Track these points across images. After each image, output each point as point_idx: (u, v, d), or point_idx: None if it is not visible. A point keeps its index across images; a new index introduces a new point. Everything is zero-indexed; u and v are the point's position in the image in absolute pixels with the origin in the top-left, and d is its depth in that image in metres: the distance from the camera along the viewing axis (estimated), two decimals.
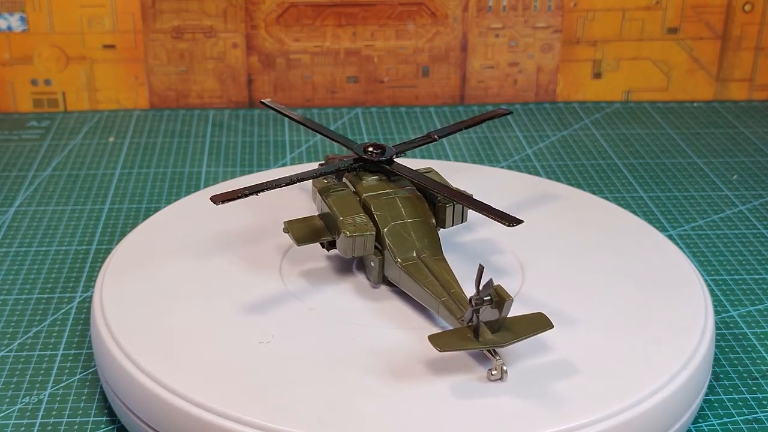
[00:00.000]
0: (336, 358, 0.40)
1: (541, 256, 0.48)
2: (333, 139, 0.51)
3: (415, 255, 0.44)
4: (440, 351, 0.38)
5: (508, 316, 0.39)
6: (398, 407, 0.38)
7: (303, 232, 0.46)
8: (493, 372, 0.39)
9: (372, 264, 0.45)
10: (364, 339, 0.42)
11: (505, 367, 0.39)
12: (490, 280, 0.38)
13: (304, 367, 0.40)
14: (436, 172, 0.49)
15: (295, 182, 0.46)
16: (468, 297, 0.39)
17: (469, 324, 0.39)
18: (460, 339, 0.39)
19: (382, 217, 0.45)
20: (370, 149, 0.48)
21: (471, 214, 0.47)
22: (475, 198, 0.46)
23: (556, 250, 0.49)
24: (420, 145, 0.50)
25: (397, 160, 0.49)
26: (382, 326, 0.43)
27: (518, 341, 0.39)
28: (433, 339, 0.39)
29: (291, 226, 0.46)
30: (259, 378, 0.39)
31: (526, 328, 0.40)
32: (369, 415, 0.37)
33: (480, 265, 0.39)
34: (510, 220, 0.42)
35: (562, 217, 0.53)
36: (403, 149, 0.49)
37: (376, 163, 0.48)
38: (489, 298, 0.38)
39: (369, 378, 0.39)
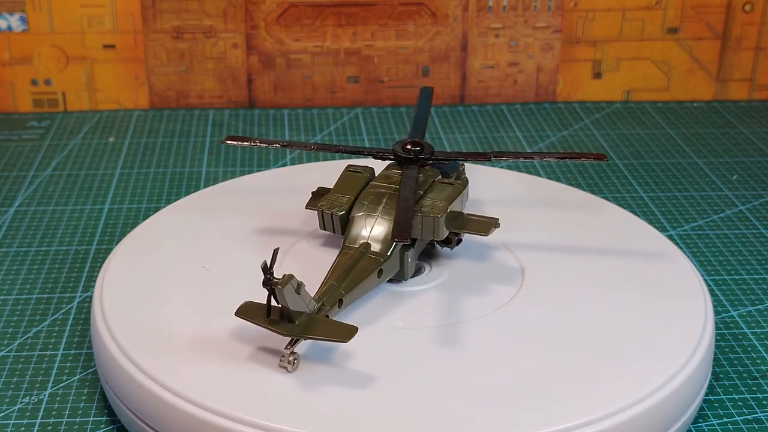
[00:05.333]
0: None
1: (541, 256, 0.48)
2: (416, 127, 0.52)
3: (358, 245, 0.44)
4: (234, 315, 0.40)
5: (338, 319, 0.40)
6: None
7: (313, 196, 0.48)
8: (281, 359, 0.39)
9: None
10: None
11: (292, 358, 0.39)
12: (264, 263, 0.38)
13: (304, 368, 0.40)
14: (458, 186, 0.47)
15: (308, 149, 0.48)
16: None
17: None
18: (256, 313, 0.40)
19: (359, 204, 0.46)
20: (408, 146, 0.49)
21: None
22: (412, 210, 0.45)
23: (556, 250, 0.49)
24: (469, 158, 0.50)
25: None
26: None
27: (300, 338, 0.39)
28: (244, 304, 0.40)
29: (315, 191, 0.49)
30: (259, 378, 0.39)
31: (323, 331, 0.39)
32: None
33: (275, 249, 0.39)
34: (400, 238, 0.42)
35: (562, 217, 0.53)
36: (448, 157, 0.49)
37: (398, 158, 0.48)
38: (269, 279, 0.38)
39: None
